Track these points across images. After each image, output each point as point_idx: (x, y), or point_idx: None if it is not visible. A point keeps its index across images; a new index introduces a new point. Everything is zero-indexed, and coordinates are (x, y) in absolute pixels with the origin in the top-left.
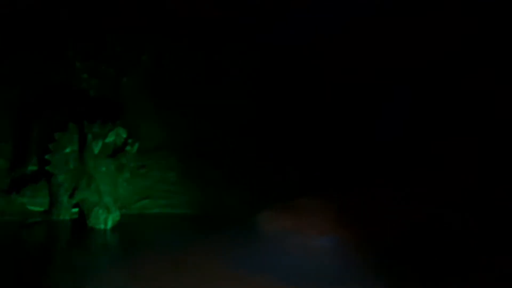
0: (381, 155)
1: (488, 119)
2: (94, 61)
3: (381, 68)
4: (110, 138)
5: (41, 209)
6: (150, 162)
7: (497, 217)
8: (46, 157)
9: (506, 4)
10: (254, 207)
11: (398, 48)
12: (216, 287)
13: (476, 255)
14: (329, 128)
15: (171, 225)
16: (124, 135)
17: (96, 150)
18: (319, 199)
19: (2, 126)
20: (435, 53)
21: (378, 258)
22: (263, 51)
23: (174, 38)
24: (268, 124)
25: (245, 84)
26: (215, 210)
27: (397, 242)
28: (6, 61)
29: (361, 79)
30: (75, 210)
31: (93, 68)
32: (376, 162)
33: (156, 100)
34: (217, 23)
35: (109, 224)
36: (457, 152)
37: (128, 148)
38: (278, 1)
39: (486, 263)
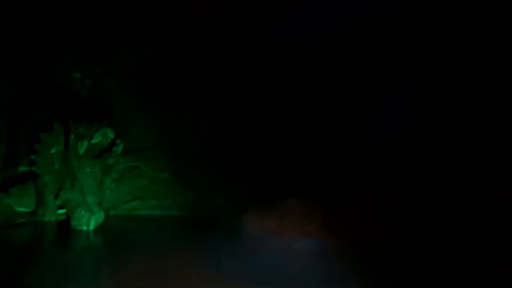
0: (381, 155)
1: (488, 119)
2: (87, 61)
3: (381, 68)
4: (96, 139)
5: (28, 210)
6: (141, 163)
7: (497, 217)
8: (32, 157)
9: (506, 4)
10: (242, 208)
11: (398, 48)
12: None
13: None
14: (328, 128)
15: (158, 227)
16: (111, 136)
17: (81, 150)
18: (305, 201)
19: None
20: (435, 53)
21: (361, 264)
22: (263, 51)
23: (170, 38)
24: (264, 125)
25: (241, 84)
26: (203, 211)
27: (382, 248)
28: (3, 62)
29: (361, 79)
30: (62, 211)
31: (85, 68)
32: (376, 162)
33: (148, 101)
34: (216, 23)
35: (92, 225)
36: (457, 152)
37: (114, 149)
38: (278, 1)
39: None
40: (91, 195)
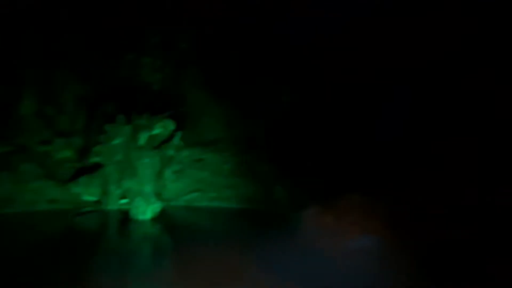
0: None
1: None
2: (158, 56)
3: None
4: (156, 130)
5: (94, 199)
6: (206, 156)
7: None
8: (97, 148)
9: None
10: (301, 204)
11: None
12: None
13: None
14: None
15: (216, 218)
16: (172, 127)
17: (141, 141)
18: (365, 197)
19: (73, 120)
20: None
21: (419, 265)
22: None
23: (239, 30)
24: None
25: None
26: (262, 205)
27: (442, 247)
28: (76, 60)
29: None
30: (124, 201)
31: (157, 63)
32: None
33: (217, 94)
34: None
35: (149, 215)
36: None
37: (174, 140)
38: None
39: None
40: (149, 185)
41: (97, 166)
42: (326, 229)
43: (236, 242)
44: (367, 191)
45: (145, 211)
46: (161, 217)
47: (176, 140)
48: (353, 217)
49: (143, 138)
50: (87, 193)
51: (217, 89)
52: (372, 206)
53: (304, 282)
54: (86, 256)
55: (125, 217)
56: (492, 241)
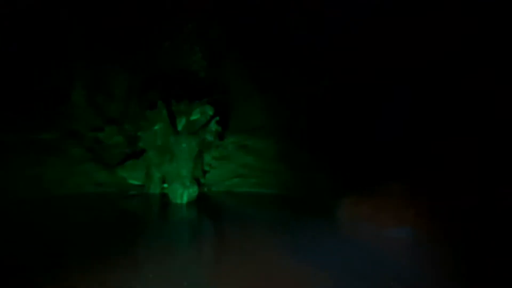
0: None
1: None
2: (204, 45)
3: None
4: (195, 116)
5: (138, 183)
6: (250, 142)
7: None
8: (139, 133)
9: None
10: (340, 192)
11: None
12: (261, 274)
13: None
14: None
15: (253, 204)
16: (211, 113)
17: (180, 126)
18: (403, 186)
19: (124, 108)
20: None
21: (451, 258)
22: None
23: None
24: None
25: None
26: (302, 192)
27: (475, 241)
28: (123, 51)
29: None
30: (166, 185)
31: (203, 51)
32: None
33: (261, 82)
34: None
35: (185, 199)
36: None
37: (213, 126)
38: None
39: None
40: (186, 169)
41: (141, 151)
42: (363, 218)
43: (273, 227)
44: (405, 181)
45: (182, 195)
46: (201, 201)
47: (214, 126)
48: (390, 206)
49: (181, 124)
50: (131, 177)
51: (260, 78)
52: (410, 197)
53: (336, 269)
54: (128, 237)
55: (165, 201)
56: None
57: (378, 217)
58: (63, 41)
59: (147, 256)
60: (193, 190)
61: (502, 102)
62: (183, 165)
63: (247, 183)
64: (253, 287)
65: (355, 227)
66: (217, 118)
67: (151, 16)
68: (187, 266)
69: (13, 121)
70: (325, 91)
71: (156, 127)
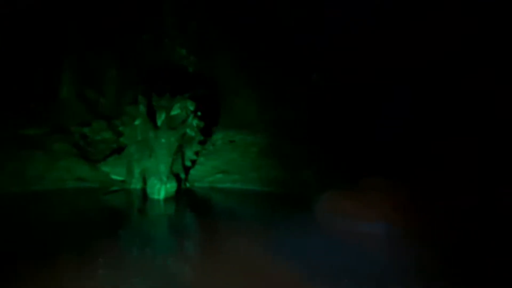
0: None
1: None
2: (192, 39)
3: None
4: (175, 111)
5: (121, 178)
6: (238, 138)
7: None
8: (120, 129)
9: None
10: (324, 187)
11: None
12: (236, 270)
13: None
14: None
15: (234, 199)
16: (192, 108)
17: (159, 122)
18: (388, 181)
19: (115, 103)
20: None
21: (435, 257)
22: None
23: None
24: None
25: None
26: (286, 188)
27: (455, 241)
28: (114, 45)
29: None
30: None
31: (191, 46)
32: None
33: (252, 77)
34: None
35: (162, 195)
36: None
37: (192, 121)
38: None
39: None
40: (164, 165)
41: (124, 147)
42: (341, 212)
43: (252, 222)
44: (389, 175)
45: (159, 190)
46: (181, 197)
47: (195, 121)
48: (370, 201)
49: (160, 119)
50: (114, 172)
51: (250, 73)
52: (392, 192)
53: (310, 265)
54: (105, 233)
55: (144, 196)
56: (492, 241)
57: (355, 211)
58: (52, 36)
59: (121, 251)
60: (171, 186)
61: (502, 102)
62: (162, 160)
63: (230, 179)
64: (226, 282)
65: (334, 222)
66: (199, 113)
67: (137, 11)
68: (156, 260)
69: (0, 117)
70: (317, 88)
71: (137, 122)
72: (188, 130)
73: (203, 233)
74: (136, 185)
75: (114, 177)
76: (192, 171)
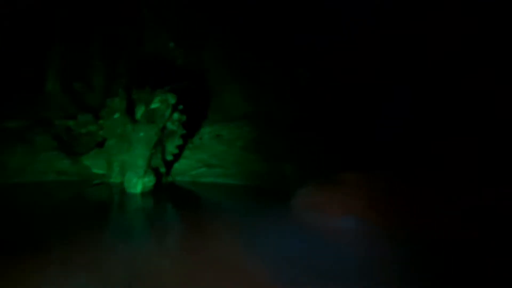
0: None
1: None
2: (180, 32)
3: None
4: (155, 105)
5: (101, 171)
6: (225, 132)
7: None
8: (100, 122)
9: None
10: (302, 181)
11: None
12: (206, 265)
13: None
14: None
15: (214, 194)
16: (172, 101)
17: (138, 115)
18: (366, 176)
19: (102, 96)
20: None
21: (403, 253)
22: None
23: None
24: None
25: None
26: (269, 183)
27: (437, 238)
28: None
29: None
30: None
31: (179, 38)
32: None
33: (238, 71)
34: None
35: (139, 189)
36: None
37: (173, 114)
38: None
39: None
40: (142, 159)
41: (104, 140)
42: (316, 207)
43: (227, 217)
44: (366, 171)
45: (136, 184)
46: (160, 191)
47: (176, 115)
48: (343, 195)
49: (139, 112)
50: (95, 166)
51: (238, 67)
52: (367, 187)
53: (275, 260)
54: (81, 227)
55: (122, 191)
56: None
57: (327, 206)
58: (38, 27)
59: (96, 242)
60: (149, 180)
61: (502, 102)
62: (140, 154)
63: (213, 173)
64: (193, 276)
65: (308, 217)
66: (181, 106)
67: (125, 2)
68: (127, 252)
69: None
70: (303, 82)
71: (116, 116)
72: (168, 124)
73: (174, 227)
74: (116, 179)
75: (95, 170)
76: (176, 165)
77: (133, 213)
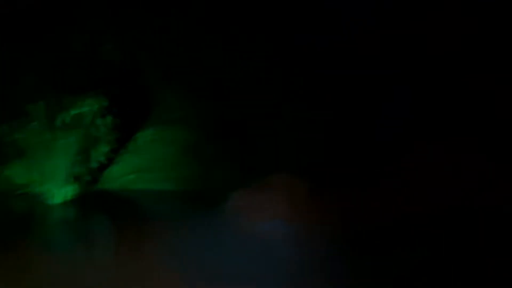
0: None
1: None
2: (116, 32)
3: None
4: (77, 110)
5: (23, 182)
6: (162, 135)
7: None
8: (21, 130)
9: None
10: (236, 185)
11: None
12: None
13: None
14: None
15: (144, 201)
16: (97, 106)
17: (58, 121)
18: (291, 178)
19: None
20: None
21: (330, 257)
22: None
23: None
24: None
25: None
26: (203, 187)
27: (347, 241)
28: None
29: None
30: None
31: (115, 39)
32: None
33: (177, 73)
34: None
35: (59, 199)
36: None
37: (98, 120)
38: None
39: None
40: (62, 167)
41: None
42: (244, 210)
43: (153, 224)
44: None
45: (56, 195)
46: (85, 201)
47: (99, 120)
48: (266, 198)
49: (60, 118)
50: (17, 175)
51: (180, 68)
52: (293, 189)
53: (195, 266)
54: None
55: (40, 201)
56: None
57: (255, 210)
58: None
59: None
60: (69, 189)
61: (502, 102)
62: (60, 162)
63: (143, 179)
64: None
65: (236, 221)
66: (115, 109)
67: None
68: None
69: None
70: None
71: (35, 123)
72: (92, 130)
73: (91, 237)
74: (37, 189)
75: (17, 180)
76: (105, 172)
77: (51, 225)
